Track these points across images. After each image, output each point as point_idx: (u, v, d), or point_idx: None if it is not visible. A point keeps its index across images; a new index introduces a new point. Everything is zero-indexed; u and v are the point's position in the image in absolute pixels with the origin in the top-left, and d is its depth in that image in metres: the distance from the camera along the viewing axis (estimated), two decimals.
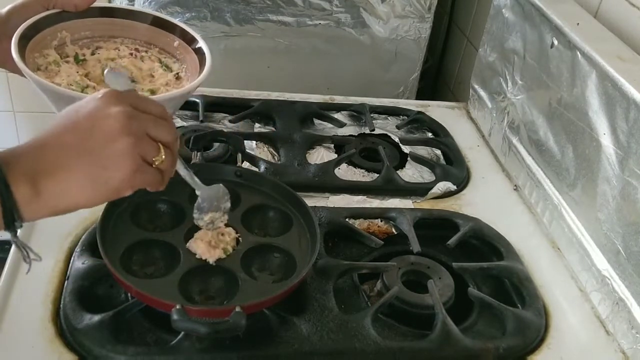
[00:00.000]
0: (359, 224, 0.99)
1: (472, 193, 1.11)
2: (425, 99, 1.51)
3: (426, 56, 1.60)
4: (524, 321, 0.84)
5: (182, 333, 0.73)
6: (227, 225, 0.82)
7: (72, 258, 0.84)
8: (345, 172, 1.12)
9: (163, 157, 0.61)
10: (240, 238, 0.83)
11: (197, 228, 0.80)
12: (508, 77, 1.19)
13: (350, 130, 1.25)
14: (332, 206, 1.01)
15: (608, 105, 0.88)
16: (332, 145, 1.19)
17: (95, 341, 0.72)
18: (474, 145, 1.26)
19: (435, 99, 1.51)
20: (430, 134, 1.29)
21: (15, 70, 0.77)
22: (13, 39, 0.76)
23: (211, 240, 0.80)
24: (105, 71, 0.65)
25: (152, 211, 0.85)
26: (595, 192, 0.91)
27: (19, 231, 0.57)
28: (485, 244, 0.99)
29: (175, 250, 0.79)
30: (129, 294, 0.79)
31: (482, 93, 1.31)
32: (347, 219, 0.98)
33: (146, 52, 0.89)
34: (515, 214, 1.08)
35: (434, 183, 1.10)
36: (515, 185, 1.15)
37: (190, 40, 0.88)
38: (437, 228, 1.00)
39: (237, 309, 0.70)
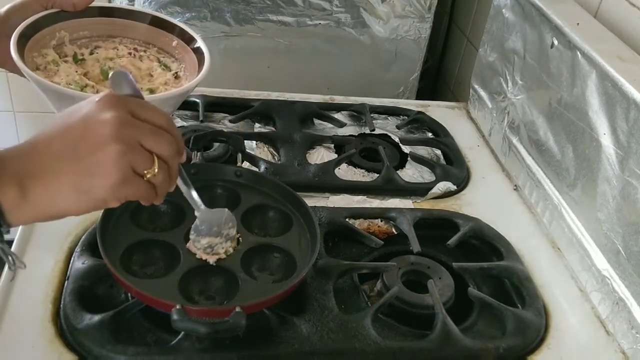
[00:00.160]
0: (359, 224, 0.98)
1: (472, 193, 1.11)
2: (425, 99, 1.51)
3: (426, 56, 1.60)
4: (524, 321, 0.84)
5: (182, 333, 0.73)
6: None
7: (72, 258, 0.84)
8: (345, 172, 1.12)
9: (156, 170, 0.57)
10: (240, 238, 0.83)
11: None
12: (508, 77, 1.19)
13: (350, 130, 1.25)
14: (332, 206, 1.01)
15: (608, 105, 0.88)
16: (332, 145, 1.19)
17: (95, 341, 0.72)
18: (474, 145, 1.26)
19: (435, 99, 1.51)
20: (430, 134, 1.29)
21: (14, 69, 0.77)
22: (12, 38, 0.76)
23: None
24: (111, 73, 0.62)
25: (152, 211, 0.85)
26: (595, 192, 0.91)
27: (5, 236, 0.55)
28: (485, 244, 0.99)
29: (175, 250, 0.79)
30: (129, 294, 0.79)
31: (482, 93, 1.31)
32: (347, 219, 0.98)
33: (145, 51, 0.89)
34: (515, 214, 1.08)
35: (434, 183, 1.10)
36: (515, 185, 1.15)
37: (188, 40, 0.88)
38: (437, 228, 1.00)
39: (237, 309, 0.70)
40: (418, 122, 1.31)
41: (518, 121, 1.15)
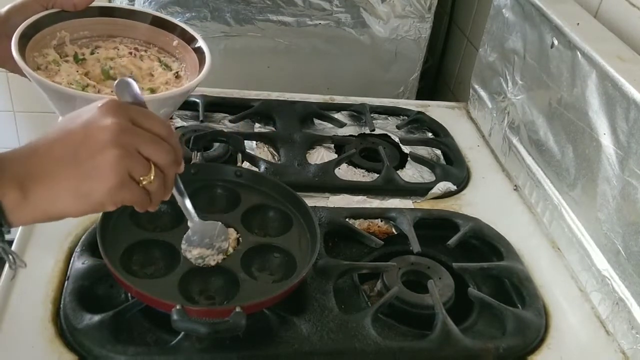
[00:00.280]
0: (359, 224, 0.98)
1: (472, 193, 1.11)
2: (425, 99, 1.51)
3: (426, 56, 1.60)
4: (524, 321, 0.84)
5: (182, 333, 0.73)
6: (227, 226, 0.82)
7: (72, 258, 0.84)
8: (345, 172, 1.12)
9: (152, 177, 0.58)
10: (240, 238, 0.83)
11: None
12: (508, 77, 1.19)
13: (350, 130, 1.25)
14: (332, 206, 1.01)
15: (608, 105, 0.88)
16: (332, 145, 1.19)
17: (95, 341, 0.72)
18: (474, 145, 1.26)
19: (435, 99, 1.51)
20: (430, 134, 1.29)
21: (15, 69, 0.77)
22: (13, 38, 0.76)
23: None
24: (116, 81, 0.63)
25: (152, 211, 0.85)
26: (595, 192, 0.91)
27: (6, 237, 0.56)
28: (485, 244, 0.99)
29: (175, 250, 0.79)
30: (129, 294, 0.79)
31: (482, 93, 1.31)
32: (347, 219, 0.98)
33: (145, 51, 0.89)
34: (515, 214, 1.08)
35: (434, 183, 1.10)
36: (515, 185, 1.15)
37: (189, 40, 0.88)
38: (437, 228, 1.00)
39: (237, 309, 0.70)
40: (418, 122, 1.31)
41: (518, 121, 1.16)
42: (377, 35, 1.50)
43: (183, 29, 0.89)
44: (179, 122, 1.18)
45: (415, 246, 0.93)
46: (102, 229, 0.77)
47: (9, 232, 0.55)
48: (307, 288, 0.83)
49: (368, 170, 1.13)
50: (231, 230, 0.83)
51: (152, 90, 0.82)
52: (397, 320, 0.83)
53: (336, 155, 1.16)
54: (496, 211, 1.06)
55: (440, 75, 1.82)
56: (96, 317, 0.74)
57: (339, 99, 1.34)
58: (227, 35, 1.43)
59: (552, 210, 1.02)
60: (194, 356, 0.73)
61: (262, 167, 1.06)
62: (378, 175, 1.10)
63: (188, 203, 0.72)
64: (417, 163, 1.17)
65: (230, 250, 0.80)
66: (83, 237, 0.87)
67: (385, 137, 1.23)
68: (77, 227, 0.89)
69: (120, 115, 0.57)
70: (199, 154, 1.05)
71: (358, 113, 1.30)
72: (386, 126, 1.28)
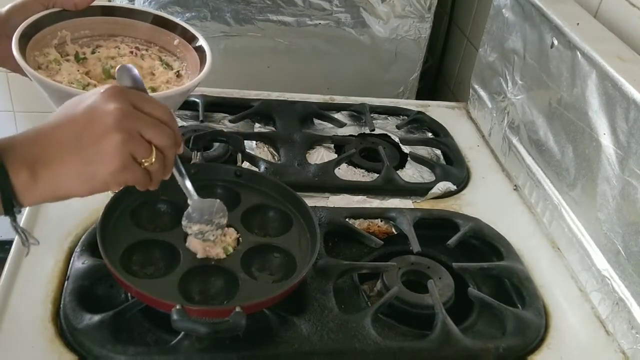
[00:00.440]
0: (359, 224, 0.98)
1: (472, 193, 1.11)
2: (425, 99, 1.51)
3: (426, 56, 1.60)
4: (524, 321, 0.84)
5: (182, 333, 0.73)
6: (228, 226, 0.82)
7: (72, 258, 0.84)
8: (345, 172, 1.12)
9: (153, 159, 0.61)
10: (240, 238, 0.83)
11: None
12: (508, 77, 1.19)
13: (350, 130, 1.25)
14: (332, 206, 1.01)
15: (608, 105, 0.88)
16: (332, 145, 1.19)
17: (95, 341, 0.72)
18: (474, 145, 1.26)
19: (435, 99, 1.51)
20: (430, 134, 1.29)
21: (15, 69, 0.77)
22: (14, 37, 0.76)
23: None
24: (117, 67, 0.66)
25: (152, 211, 0.85)
26: (595, 192, 0.91)
27: (18, 217, 0.59)
28: (485, 244, 0.99)
29: (175, 250, 0.79)
30: (129, 294, 0.79)
31: (482, 93, 1.31)
32: (347, 219, 0.98)
33: (146, 50, 0.89)
34: (515, 214, 1.08)
35: (434, 183, 1.10)
36: (515, 185, 1.15)
37: (190, 39, 0.88)
38: (437, 228, 1.00)
39: (237, 309, 0.70)
40: (418, 122, 1.31)
41: (518, 121, 1.16)
42: (377, 35, 1.50)
43: (184, 28, 0.89)
44: (179, 122, 1.18)
45: (415, 246, 0.93)
46: (102, 229, 0.77)
47: (19, 212, 0.58)
48: (307, 288, 0.83)
49: (368, 170, 1.13)
50: (231, 230, 0.83)
51: (153, 89, 0.82)
52: (397, 320, 0.83)
53: (336, 155, 1.16)
54: (496, 211, 1.06)
55: (440, 75, 1.82)
56: (96, 317, 0.74)
57: (339, 99, 1.34)
58: (227, 35, 1.43)
59: (552, 210, 1.02)
60: (194, 356, 0.73)
61: (262, 167, 1.06)
62: (378, 175, 1.10)
63: (188, 182, 0.75)
64: (417, 163, 1.17)
65: (230, 250, 0.80)
66: (83, 237, 0.87)
67: (385, 137, 1.23)
68: (77, 227, 0.89)
69: (122, 100, 0.59)
70: (199, 154, 1.05)
71: (358, 113, 1.30)
72: (386, 126, 1.28)
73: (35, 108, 1.87)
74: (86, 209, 0.90)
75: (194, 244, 0.79)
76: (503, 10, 1.21)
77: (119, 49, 0.88)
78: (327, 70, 1.53)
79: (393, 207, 1.04)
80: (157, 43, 0.90)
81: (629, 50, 0.93)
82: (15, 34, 0.76)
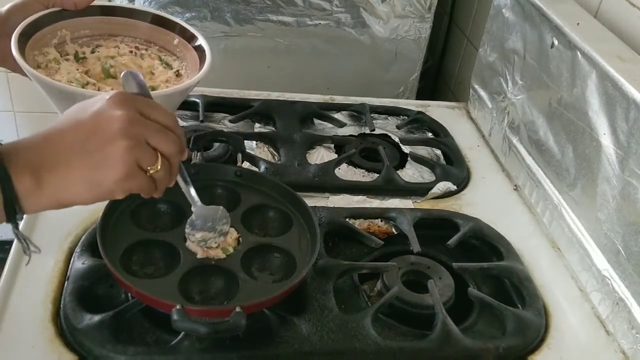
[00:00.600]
0: (359, 224, 0.98)
1: (472, 193, 1.11)
2: (425, 99, 1.51)
3: (426, 56, 1.60)
4: (524, 321, 0.84)
5: (182, 333, 0.73)
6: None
7: (72, 258, 0.84)
8: (345, 172, 1.12)
9: (159, 167, 0.61)
10: (240, 238, 0.83)
11: None
12: (508, 77, 1.19)
13: (350, 130, 1.25)
14: (332, 206, 1.01)
15: (608, 105, 0.88)
16: (332, 145, 1.19)
17: (95, 341, 0.72)
18: (474, 145, 1.26)
19: (435, 99, 1.51)
20: (430, 134, 1.29)
21: (15, 68, 0.77)
22: (13, 36, 0.76)
23: None
24: (122, 73, 0.65)
25: (152, 211, 0.85)
26: (595, 192, 0.91)
27: (20, 224, 0.58)
28: (485, 244, 0.99)
29: (175, 250, 0.79)
30: (129, 294, 0.79)
31: (482, 93, 1.31)
32: (347, 219, 0.98)
33: (146, 50, 0.89)
34: (515, 214, 1.08)
35: (434, 183, 1.10)
36: (515, 185, 1.15)
37: (190, 38, 0.88)
38: (437, 228, 1.00)
39: (237, 309, 0.70)
40: (418, 122, 1.31)
41: (518, 121, 1.16)
42: (377, 35, 1.50)
43: (183, 27, 0.89)
44: (179, 122, 1.18)
45: (415, 246, 0.93)
46: (102, 229, 0.77)
47: (21, 219, 0.57)
48: (307, 288, 0.83)
49: (368, 170, 1.13)
50: (231, 230, 0.83)
51: (153, 89, 0.82)
52: (397, 320, 0.83)
53: (336, 155, 1.16)
54: (496, 211, 1.06)
55: (440, 75, 1.82)
56: (96, 317, 0.74)
57: (339, 99, 1.34)
58: (227, 35, 1.43)
59: (552, 210, 1.02)
60: (194, 356, 0.73)
61: (262, 167, 1.06)
62: (378, 175, 1.10)
63: (192, 189, 0.74)
64: (417, 163, 1.17)
65: (230, 250, 0.80)
66: (83, 237, 0.87)
67: (385, 137, 1.23)
68: (77, 227, 0.89)
69: (129, 106, 0.59)
70: (199, 154, 1.05)
71: (358, 113, 1.30)
72: (386, 126, 1.28)
73: (35, 108, 1.87)
74: (86, 209, 0.89)
75: (194, 244, 0.79)
76: (503, 10, 1.21)
77: (119, 48, 0.88)
78: (327, 70, 1.53)
79: (393, 207, 1.04)
80: (157, 42, 0.90)
81: (629, 50, 0.93)
82: (15, 33, 0.76)
